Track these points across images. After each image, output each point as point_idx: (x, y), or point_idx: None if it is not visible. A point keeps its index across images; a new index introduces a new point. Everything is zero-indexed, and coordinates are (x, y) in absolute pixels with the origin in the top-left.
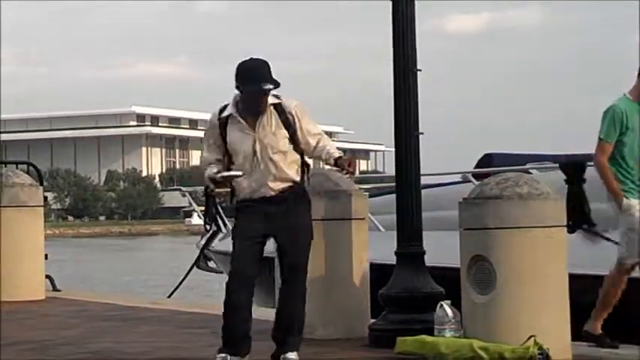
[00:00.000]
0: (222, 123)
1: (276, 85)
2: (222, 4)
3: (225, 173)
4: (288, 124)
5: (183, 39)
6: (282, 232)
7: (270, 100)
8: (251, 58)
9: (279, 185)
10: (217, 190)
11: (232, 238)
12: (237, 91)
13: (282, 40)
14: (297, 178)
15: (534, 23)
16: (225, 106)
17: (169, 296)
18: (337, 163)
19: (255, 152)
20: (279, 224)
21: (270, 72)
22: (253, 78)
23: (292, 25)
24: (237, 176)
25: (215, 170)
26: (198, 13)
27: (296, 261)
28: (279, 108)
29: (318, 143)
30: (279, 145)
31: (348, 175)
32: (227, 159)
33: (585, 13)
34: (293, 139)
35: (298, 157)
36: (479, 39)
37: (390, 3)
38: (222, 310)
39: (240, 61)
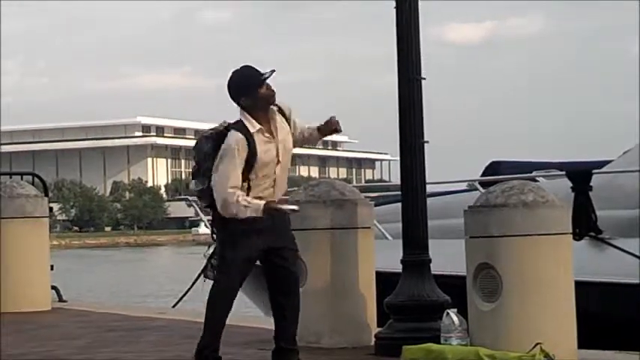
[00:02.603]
0: (252, 140)
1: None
2: (227, 14)
3: (286, 206)
4: (288, 122)
5: (187, 49)
6: (281, 243)
7: None
8: (241, 67)
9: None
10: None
11: (226, 257)
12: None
13: (286, 49)
14: None
15: (535, 31)
16: (228, 127)
17: (174, 306)
18: (320, 129)
19: (278, 160)
20: (278, 235)
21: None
22: (253, 77)
23: (295, 33)
24: (294, 210)
25: (260, 201)
26: (202, 23)
27: (297, 271)
28: (278, 109)
29: (301, 124)
30: (291, 145)
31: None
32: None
33: (586, 19)
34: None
35: None
36: (481, 47)
37: (394, 12)
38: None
39: (230, 76)
